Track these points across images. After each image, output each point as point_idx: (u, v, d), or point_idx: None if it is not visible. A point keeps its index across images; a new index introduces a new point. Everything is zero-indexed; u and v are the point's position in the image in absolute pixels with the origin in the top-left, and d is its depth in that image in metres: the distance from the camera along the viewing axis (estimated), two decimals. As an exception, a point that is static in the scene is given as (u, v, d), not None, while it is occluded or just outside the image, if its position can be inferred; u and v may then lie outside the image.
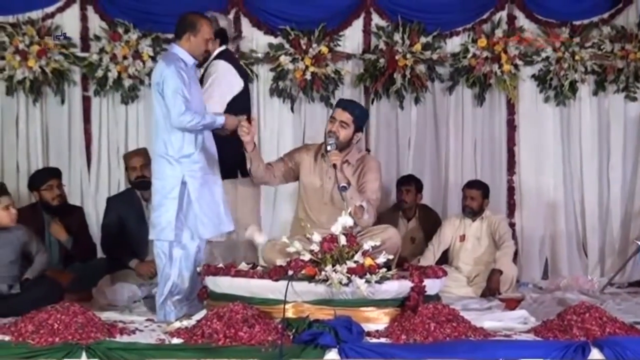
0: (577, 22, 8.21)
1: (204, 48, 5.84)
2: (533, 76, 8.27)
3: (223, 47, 6.30)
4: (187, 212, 5.69)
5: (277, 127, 8.14)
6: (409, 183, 7.83)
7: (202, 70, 6.25)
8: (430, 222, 7.76)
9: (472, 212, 7.42)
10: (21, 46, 7.80)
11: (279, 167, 6.19)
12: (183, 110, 5.53)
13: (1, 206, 6.04)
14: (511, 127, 8.31)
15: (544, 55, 8.14)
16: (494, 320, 5.45)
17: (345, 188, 5.73)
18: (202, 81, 6.14)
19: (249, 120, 5.99)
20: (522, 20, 8.27)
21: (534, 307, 6.41)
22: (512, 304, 6.46)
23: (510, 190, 8.31)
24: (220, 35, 6.28)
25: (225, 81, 6.19)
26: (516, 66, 8.13)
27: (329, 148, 5.86)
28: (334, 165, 5.77)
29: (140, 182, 6.89)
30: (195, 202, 5.67)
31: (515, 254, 7.58)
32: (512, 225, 8.07)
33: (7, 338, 4.80)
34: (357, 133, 6.03)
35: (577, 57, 8.09)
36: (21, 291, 6.00)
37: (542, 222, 8.27)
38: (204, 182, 5.71)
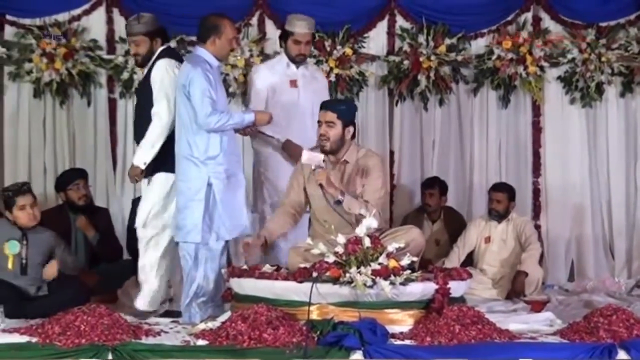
0: (604, 24, 8.16)
1: (229, 48, 5.90)
2: (559, 78, 8.22)
3: (165, 46, 6.12)
4: (213, 214, 5.72)
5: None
6: (433, 186, 7.81)
7: (145, 70, 6.17)
8: (456, 224, 7.73)
9: (499, 214, 7.39)
10: (48, 49, 7.85)
11: (295, 202, 6.00)
12: (210, 112, 5.60)
13: (17, 206, 6.07)
14: (536, 128, 8.27)
15: (569, 56, 8.10)
16: (520, 322, 5.42)
17: (339, 202, 5.69)
18: (144, 83, 6.07)
19: None
20: (547, 22, 8.23)
21: (560, 310, 6.38)
22: (537, 307, 6.43)
23: (536, 192, 8.27)
24: (161, 34, 6.13)
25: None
26: (542, 68, 8.09)
27: (313, 168, 5.73)
28: (320, 186, 5.71)
29: None
30: (219, 204, 5.71)
31: (541, 256, 7.54)
32: (537, 228, 8.03)
33: (34, 339, 4.83)
34: (347, 128, 5.88)
35: (603, 59, 8.04)
36: (48, 293, 6.05)
37: (569, 224, 8.22)
38: (228, 183, 5.75)
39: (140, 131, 6.02)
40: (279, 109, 6.45)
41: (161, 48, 6.07)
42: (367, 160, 5.90)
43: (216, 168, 5.71)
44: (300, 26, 6.52)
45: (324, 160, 5.74)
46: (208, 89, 5.62)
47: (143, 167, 5.95)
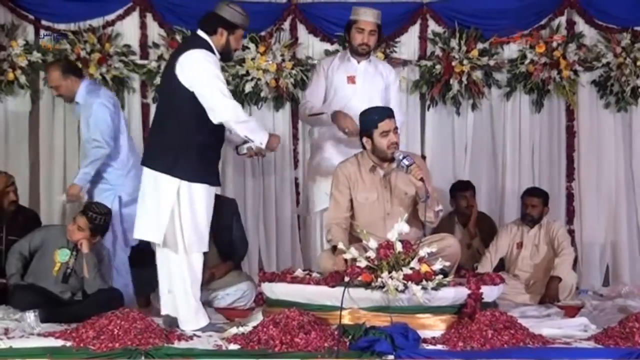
0: (639, 28, 8.10)
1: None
2: (593, 82, 8.17)
3: None
4: None
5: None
6: (468, 189, 7.77)
7: None
8: (487, 228, 7.70)
9: (533, 220, 7.35)
10: (82, 54, 7.90)
11: (348, 212, 5.85)
12: None
13: (75, 224, 6.16)
14: (570, 133, 8.23)
15: (604, 61, 8.05)
16: (553, 327, 5.39)
17: (428, 198, 5.54)
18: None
19: None
20: (581, 26, 8.19)
21: (594, 315, 6.32)
22: (571, 312, 6.39)
23: (570, 197, 8.23)
24: None
25: None
26: (576, 72, 8.05)
27: (406, 163, 5.54)
28: (422, 179, 5.51)
29: None
30: None
31: (575, 261, 7.49)
32: (571, 232, 8.00)
33: (68, 343, 4.88)
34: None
35: (639, 63, 7.99)
36: (83, 298, 6.15)
37: (603, 229, 8.18)
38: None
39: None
40: (334, 106, 6.28)
41: None
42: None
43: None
44: (364, 14, 6.32)
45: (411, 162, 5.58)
46: None
47: None
